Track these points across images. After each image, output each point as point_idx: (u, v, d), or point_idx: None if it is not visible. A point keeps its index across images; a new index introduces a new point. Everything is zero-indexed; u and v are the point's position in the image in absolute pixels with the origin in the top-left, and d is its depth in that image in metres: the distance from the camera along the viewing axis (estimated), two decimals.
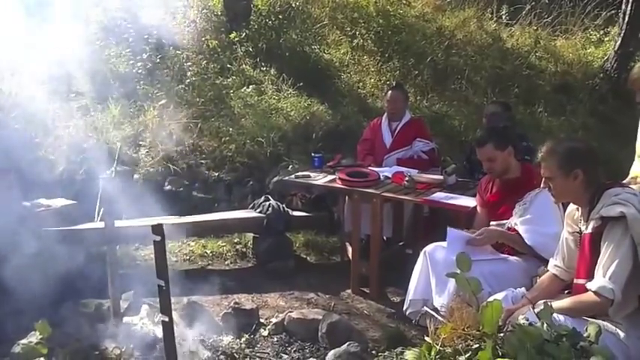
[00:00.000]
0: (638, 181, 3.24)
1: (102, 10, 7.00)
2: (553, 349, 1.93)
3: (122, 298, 3.67)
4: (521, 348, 1.93)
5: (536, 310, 2.52)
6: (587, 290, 2.47)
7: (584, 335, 2.03)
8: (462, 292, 3.18)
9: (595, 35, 9.07)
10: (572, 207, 2.72)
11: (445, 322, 2.16)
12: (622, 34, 7.92)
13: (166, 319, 2.59)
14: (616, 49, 8.08)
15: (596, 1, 8.97)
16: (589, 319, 2.48)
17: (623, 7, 7.92)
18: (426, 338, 2.13)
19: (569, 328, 2.03)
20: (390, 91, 5.10)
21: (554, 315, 2.13)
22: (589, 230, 2.54)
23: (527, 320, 2.10)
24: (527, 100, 7.79)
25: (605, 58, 8.38)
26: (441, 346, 2.06)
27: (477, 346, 2.04)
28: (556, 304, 2.57)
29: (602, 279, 2.42)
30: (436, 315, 2.36)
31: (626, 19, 7.81)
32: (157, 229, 2.53)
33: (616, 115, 7.81)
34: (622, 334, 2.46)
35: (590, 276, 2.49)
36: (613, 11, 8.81)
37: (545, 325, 2.03)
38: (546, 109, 7.70)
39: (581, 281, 2.57)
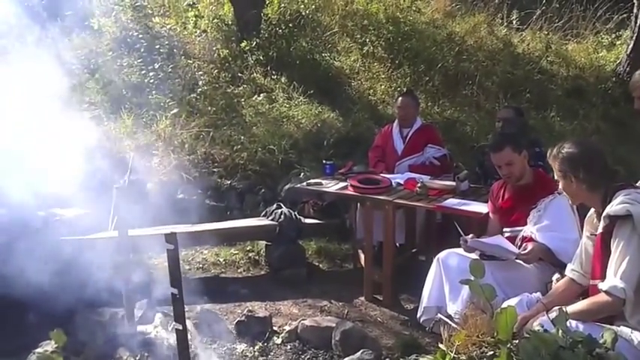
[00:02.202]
0: None
1: (114, 21, 7.07)
2: (569, 356, 1.91)
3: (136, 306, 3.69)
4: (535, 355, 1.91)
5: (551, 316, 2.52)
6: (600, 291, 2.47)
7: (600, 342, 2.02)
8: (475, 299, 3.19)
9: (607, 39, 9.01)
10: (591, 211, 2.72)
11: (459, 329, 2.14)
12: (634, 38, 7.87)
13: (180, 328, 2.60)
14: (628, 52, 8.03)
15: (607, 5, 8.92)
16: (605, 325, 2.47)
17: (635, 10, 7.87)
18: (440, 345, 2.11)
19: (584, 335, 2.02)
20: (400, 98, 5.10)
21: (569, 321, 2.11)
22: (600, 230, 2.55)
23: (542, 327, 2.08)
24: (539, 105, 7.75)
25: (618, 61, 8.33)
26: (455, 354, 2.05)
27: (492, 353, 2.03)
28: (570, 307, 2.56)
29: (613, 278, 2.42)
30: (450, 322, 2.35)
31: (638, 22, 7.77)
32: (171, 237, 2.54)
33: (628, 119, 7.73)
34: (636, 340, 2.44)
35: (604, 276, 2.49)
36: (625, 15, 8.75)
37: (560, 331, 2.02)
38: (558, 113, 7.66)
39: (596, 282, 2.56)
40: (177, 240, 2.56)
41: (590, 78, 8.42)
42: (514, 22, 9.16)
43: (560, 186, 2.73)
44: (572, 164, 2.60)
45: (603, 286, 2.44)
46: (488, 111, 7.43)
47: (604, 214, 2.51)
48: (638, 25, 7.77)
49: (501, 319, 1.98)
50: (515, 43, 8.86)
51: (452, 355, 2.04)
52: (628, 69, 8.00)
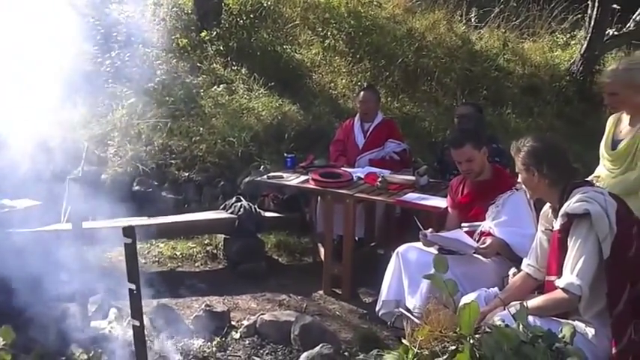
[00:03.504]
0: (599, 181, 3.29)
1: (68, 7, 6.83)
2: (530, 350, 1.94)
3: (89, 301, 3.58)
4: (498, 350, 1.93)
5: (512, 311, 2.55)
6: (556, 288, 2.51)
7: (559, 336, 2.05)
8: (438, 294, 3.21)
9: (562, 38, 9.22)
10: (546, 207, 2.76)
11: (422, 323, 2.14)
12: (588, 38, 8.07)
13: (137, 324, 2.53)
14: (582, 52, 8.22)
15: (563, 5, 9.11)
16: (562, 320, 2.52)
17: (590, 11, 8.06)
18: (403, 340, 2.11)
19: (544, 330, 2.05)
20: (362, 92, 5.10)
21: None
22: (557, 227, 2.59)
23: (503, 321, 2.10)
24: (495, 102, 7.87)
25: (572, 61, 8.53)
26: (418, 349, 2.05)
27: (454, 347, 2.04)
28: (528, 303, 2.60)
29: (569, 276, 2.46)
30: (412, 317, 2.35)
31: (592, 23, 7.96)
32: (128, 231, 2.47)
33: (582, 117, 7.96)
34: (590, 334, 2.50)
35: (560, 273, 2.54)
36: (579, 15, 8.97)
37: (520, 326, 2.04)
38: (514, 110, 7.80)
39: (551, 278, 2.61)
40: (135, 234, 2.49)
41: (544, 76, 8.60)
42: (472, 19, 9.28)
43: (520, 179, 2.78)
44: (536, 159, 2.64)
45: (560, 283, 2.49)
46: (447, 107, 7.51)
47: (562, 211, 2.55)
48: (592, 25, 7.97)
49: (464, 315, 2.00)
50: (474, 40, 8.97)
51: (415, 350, 2.04)
52: (581, 68, 8.21)
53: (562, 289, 2.47)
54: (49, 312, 3.60)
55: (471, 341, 1.98)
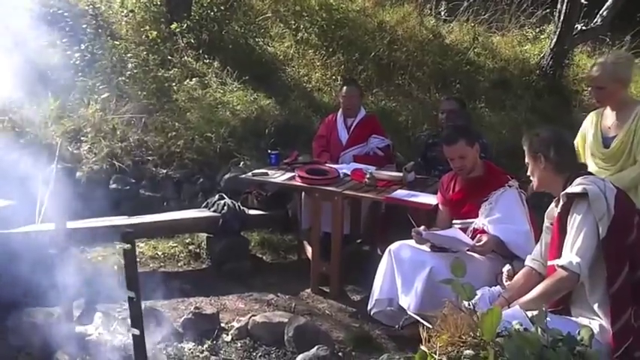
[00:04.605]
0: None
1: None
2: (552, 355, 1.92)
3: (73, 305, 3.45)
4: (520, 355, 1.92)
5: (530, 315, 2.55)
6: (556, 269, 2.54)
7: (577, 339, 2.05)
8: (434, 293, 3.20)
9: (531, 33, 9.31)
10: (552, 205, 2.78)
11: (439, 329, 2.11)
12: (558, 32, 8.17)
13: (137, 332, 2.43)
14: (552, 46, 8.32)
15: (530, 0, 9.22)
16: (570, 318, 2.53)
17: (559, 6, 8.16)
18: (421, 347, 2.07)
19: (562, 333, 2.04)
20: (345, 87, 5.04)
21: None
22: (558, 211, 2.62)
23: (522, 325, 2.08)
24: (468, 96, 7.86)
25: (541, 55, 8.63)
26: (438, 355, 2.02)
27: (474, 353, 2.01)
28: (529, 294, 2.62)
29: (569, 254, 2.50)
30: (422, 321, 2.31)
31: (562, 17, 8.06)
32: (127, 236, 2.37)
33: (552, 110, 8.06)
34: (595, 331, 2.51)
35: (560, 255, 2.56)
36: (548, 10, 9.08)
37: (539, 330, 2.03)
38: (487, 104, 7.85)
39: (553, 262, 2.62)
40: (134, 239, 2.39)
41: (515, 70, 8.67)
42: (442, 13, 9.30)
43: (529, 170, 2.79)
44: (544, 143, 2.69)
45: (560, 261, 2.52)
46: (421, 101, 7.52)
47: (562, 193, 2.60)
48: (561, 20, 8.07)
49: (486, 320, 1.97)
50: (444, 34, 8.99)
51: (435, 357, 2.01)
52: (551, 62, 8.31)
53: (561, 266, 2.50)
54: (31, 318, 3.46)
55: (493, 347, 1.96)
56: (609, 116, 3.42)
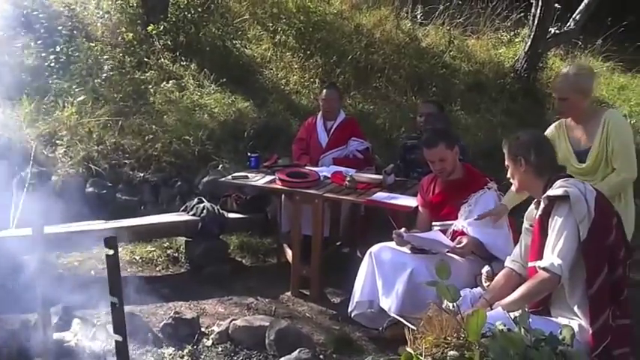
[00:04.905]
0: None
1: None
2: (535, 355, 1.95)
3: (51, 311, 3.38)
4: (505, 355, 1.94)
5: (498, 311, 2.58)
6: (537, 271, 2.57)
7: (559, 338, 2.08)
8: (417, 295, 3.22)
9: (506, 36, 9.46)
10: (531, 207, 2.81)
11: (424, 330, 2.12)
12: (532, 36, 8.31)
13: (120, 339, 2.39)
14: (526, 49, 8.46)
15: (505, 3, 9.35)
16: (558, 320, 2.55)
17: (533, 10, 8.30)
18: (407, 348, 2.08)
19: (544, 333, 2.07)
20: (325, 90, 5.07)
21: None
22: (539, 213, 2.65)
23: (505, 326, 2.11)
24: (444, 99, 7.92)
25: (516, 58, 8.76)
26: (423, 357, 2.03)
27: (458, 354, 2.03)
28: (510, 297, 2.65)
29: (550, 256, 2.52)
30: (406, 322, 2.32)
31: (536, 21, 8.20)
32: (110, 241, 2.33)
33: (526, 113, 8.18)
34: (576, 330, 2.54)
35: (541, 257, 2.59)
36: (522, 14, 9.23)
37: (522, 330, 2.05)
38: (462, 107, 7.94)
39: (533, 264, 2.65)
40: (117, 244, 2.36)
41: (489, 73, 8.80)
42: (418, 16, 9.38)
43: (509, 173, 2.81)
44: (525, 146, 2.72)
45: (541, 263, 2.54)
46: (398, 104, 7.57)
47: (543, 196, 2.62)
48: (535, 24, 8.20)
49: (472, 321, 1.99)
50: (420, 37, 9.08)
51: (421, 359, 2.02)
52: (525, 65, 8.45)
53: (543, 268, 2.52)
54: (7, 325, 3.39)
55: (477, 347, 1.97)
56: (575, 129, 3.41)
